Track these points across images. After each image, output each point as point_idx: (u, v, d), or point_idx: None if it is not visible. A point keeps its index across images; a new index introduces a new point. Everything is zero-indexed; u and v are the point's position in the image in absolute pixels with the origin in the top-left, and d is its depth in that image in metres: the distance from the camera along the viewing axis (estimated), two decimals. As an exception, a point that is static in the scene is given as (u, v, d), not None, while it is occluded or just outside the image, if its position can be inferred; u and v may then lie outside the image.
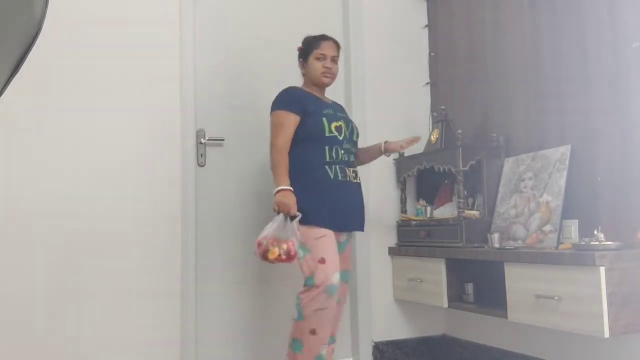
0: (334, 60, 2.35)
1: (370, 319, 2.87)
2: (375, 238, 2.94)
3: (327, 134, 2.25)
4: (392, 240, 2.97)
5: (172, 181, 2.56)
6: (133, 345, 2.42)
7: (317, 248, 2.15)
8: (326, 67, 2.32)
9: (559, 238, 2.19)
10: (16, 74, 0.64)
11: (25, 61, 0.65)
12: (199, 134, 2.65)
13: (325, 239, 2.17)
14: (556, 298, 1.94)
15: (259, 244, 2.09)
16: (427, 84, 3.19)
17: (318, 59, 2.32)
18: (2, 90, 0.63)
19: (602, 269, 1.80)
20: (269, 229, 2.10)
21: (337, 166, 2.25)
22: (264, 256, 2.08)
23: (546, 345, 2.40)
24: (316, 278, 2.11)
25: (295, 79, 2.84)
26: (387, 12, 3.12)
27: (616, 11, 2.14)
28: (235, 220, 2.71)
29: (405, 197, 2.99)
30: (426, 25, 3.22)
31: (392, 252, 2.96)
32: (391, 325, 2.95)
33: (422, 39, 3.21)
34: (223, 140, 2.70)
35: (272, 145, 2.23)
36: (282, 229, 2.09)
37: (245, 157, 2.76)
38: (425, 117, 3.14)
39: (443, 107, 2.85)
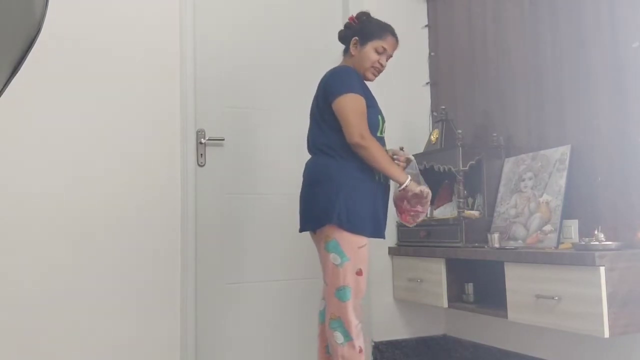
0: (388, 59, 2.15)
1: (370, 319, 2.87)
2: (375, 238, 2.94)
3: (378, 134, 2.07)
4: (392, 240, 2.97)
5: (172, 181, 2.56)
6: (133, 345, 2.42)
7: (358, 258, 1.98)
8: (380, 64, 2.11)
9: (559, 238, 2.19)
10: (16, 74, 0.64)
11: (25, 61, 0.64)
12: (199, 134, 2.65)
13: (364, 249, 2.00)
14: (556, 298, 1.94)
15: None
16: (427, 84, 3.19)
17: (376, 50, 2.09)
18: (2, 90, 0.63)
19: (602, 269, 1.80)
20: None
21: None
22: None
23: (546, 345, 2.40)
24: (354, 291, 1.97)
25: (296, 79, 2.85)
26: (387, 12, 3.11)
27: (616, 11, 2.14)
28: (235, 220, 2.71)
29: (405, 197, 2.99)
30: (426, 25, 3.22)
31: (392, 252, 2.96)
32: (391, 325, 2.95)
33: (422, 39, 3.21)
34: (223, 140, 2.70)
35: (362, 137, 1.94)
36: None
37: (245, 157, 2.76)
38: (425, 117, 3.14)
39: (443, 107, 2.85)
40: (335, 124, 2.01)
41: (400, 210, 2.13)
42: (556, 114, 2.39)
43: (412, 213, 2.09)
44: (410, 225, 2.18)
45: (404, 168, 2.11)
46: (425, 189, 2.05)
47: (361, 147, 1.96)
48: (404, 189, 2.03)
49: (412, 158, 2.16)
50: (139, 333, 2.43)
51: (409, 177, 2.03)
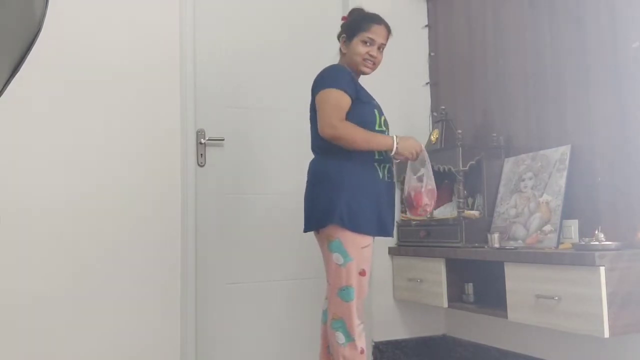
0: (381, 48, 2.09)
1: (370, 319, 2.87)
2: (375, 238, 2.93)
3: (377, 128, 2.04)
4: (392, 240, 2.97)
5: (172, 181, 2.55)
6: (133, 345, 2.42)
7: (361, 258, 1.96)
8: (370, 55, 2.06)
9: (559, 238, 2.19)
10: (16, 74, 0.64)
11: (25, 61, 0.64)
12: (199, 134, 2.65)
13: (368, 249, 1.99)
14: (556, 298, 1.94)
15: (418, 203, 2.05)
16: (427, 84, 3.19)
17: (364, 42, 2.05)
18: (2, 90, 0.63)
19: (602, 269, 1.80)
20: (415, 182, 2.04)
21: (386, 165, 2.05)
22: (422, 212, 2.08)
23: (546, 345, 2.40)
24: (357, 291, 1.95)
25: (296, 79, 2.84)
26: (387, 12, 3.09)
27: (616, 11, 2.14)
28: (235, 220, 2.71)
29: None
30: (426, 25, 3.22)
31: (392, 252, 2.96)
32: (391, 325, 2.95)
33: (422, 39, 3.21)
34: (223, 140, 2.70)
35: (332, 127, 1.92)
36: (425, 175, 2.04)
37: (245, 157, 2.76)
38: (425, 117, 3.14)
39: (443, 107, 2.85)
40: None
41: (413, 204, 2.10)
42: (556, 114, 2.39)
43: (425, 201, 2.05)
44: (428, 213, 2.16)
45: (416, 159, 2.08)
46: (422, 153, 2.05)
47: (335, 137, 1.94)
48: (396, 152, 1.99)
49: (423, 147, 2.14)
50: (139, 333, 2.43)
51: (395, 137, 2.00)
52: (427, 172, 2.08)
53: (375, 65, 2.12)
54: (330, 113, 1.94)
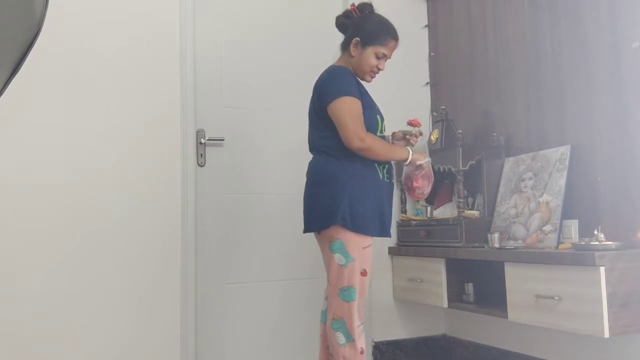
0: (387, 60, 2.13)
1: (370, 319, 2.87)
2: (375, 238, 2.93)
3: (378, 134, 2.05)
4: (392, 240, 2.97)
5: (172, 181, 2.56)
6: (133, 345, 2.42)
7: (363, 258, 1.97)
8: (379, 69, 2.10)
9: (559, 238, 2.19)
10: (16, 74, 0.64)
11: (25, 61, 0.64)
12: (199, 134, 2.65)
13: (369, 249, 1.99)
14: (556, 298, 1.94)
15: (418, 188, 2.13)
16: (427, 84, 3.19)
17: (377, 55, 2.06)
18: (2, 90, 0.63)
19: (602, 269, 1.80)
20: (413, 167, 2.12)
21: (386, 166, 2.07)
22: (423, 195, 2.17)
23: (546, 345, 2.40)
24: (359, 292, 1.96)
25: (296, 79, 2.85)
26: (387, 12, 3.10)
27: (616, 11, 2.14)
28: (235, 220, 2.71)
29: (405, 197, 2.99)
30: (426, 25, 3.22)
31: (392, 252, 2.96)
32: (391, 325, 2.95)
33: (422, 39, 3.21)
34: (223, 140, 2.70)
35: (360, 139, 1.93)
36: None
37: (245, 157, 2.76)
38: (425, 117, 3.14)
39: (443, 107, 2.85)
40: (333, 126, 1.99)
41: (410, 187, 2.16)
42: (556, 114, 2.39)
43: (421, 183, 2.13)
44: (425, 196, 2.22)
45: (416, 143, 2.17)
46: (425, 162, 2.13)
47: (362, 149, 1.96)
48: (409, 163, 2.08)
49: (422, 132, 2.22)
50: (139, 333, 2.43)
51: (410, 151, 2.08)
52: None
53: (376, 75, 2.14)
54: (355, 125, 1.94)
